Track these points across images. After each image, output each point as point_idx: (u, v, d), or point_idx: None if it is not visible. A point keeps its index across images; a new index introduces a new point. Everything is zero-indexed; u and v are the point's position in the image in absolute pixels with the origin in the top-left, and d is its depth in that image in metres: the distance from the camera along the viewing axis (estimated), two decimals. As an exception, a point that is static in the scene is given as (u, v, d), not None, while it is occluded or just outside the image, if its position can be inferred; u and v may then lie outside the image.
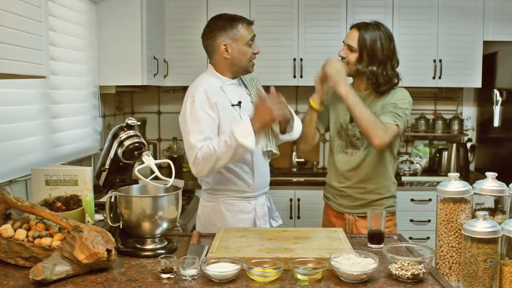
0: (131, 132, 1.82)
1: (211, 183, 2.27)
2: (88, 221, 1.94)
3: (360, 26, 2.27)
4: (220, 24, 2.19)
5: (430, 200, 3.55)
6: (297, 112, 4.13)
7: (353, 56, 2.25)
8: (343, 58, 2.28)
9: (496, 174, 1.59)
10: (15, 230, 1.60)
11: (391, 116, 2.18)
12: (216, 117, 2.13)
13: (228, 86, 2.23)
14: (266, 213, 2.31)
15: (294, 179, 3.64)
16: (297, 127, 2.27)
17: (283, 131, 2.25)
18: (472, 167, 4.07)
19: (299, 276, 1.46)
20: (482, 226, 1.43)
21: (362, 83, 2.31)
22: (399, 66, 2.32)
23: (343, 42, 2.32)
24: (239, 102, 2.21)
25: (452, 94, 4.13)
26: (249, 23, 2.22)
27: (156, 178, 1.73)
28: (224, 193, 2.25)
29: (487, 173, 1.60)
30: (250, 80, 2.38)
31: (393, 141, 2.26)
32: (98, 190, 1.97)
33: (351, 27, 2.32)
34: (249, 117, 2.05)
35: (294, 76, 3.72)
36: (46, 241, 1.57)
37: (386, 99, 2.27)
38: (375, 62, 2.23)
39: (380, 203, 2.29)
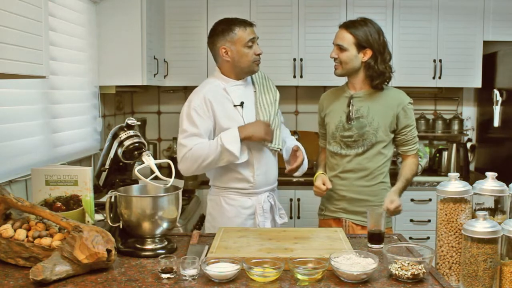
0: (131, 132, 1.82)
1: (213, 179, 2.37)
2: (88, 221, 1.94)
3: (348, 25, 2.27)
4: (219, 29, 2.29)
5: (430, 200, 3.55)
6: (297, 112, 4.17)
7: (344, 55, 2.25)
8: (335, 59, 2.29)
9: (496, 174, 1.59)
10: (15, 230, 1.60)
11: (412, 144, 2.34)
12: (211, 121, 2.23)
13: (232, 87, 2.30)
14: (267, 211, 2.33)
15: (294, 179, 3.63)
16: (305, 164, 2.40)
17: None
18: (472, 167, 4.06)
19: (299, 276, 1.46)
20: (482, 226, 1.43)
21: (358, 81, 2.31)
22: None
23: (333, 43, 2.31)
24: (242, 103, 2.28)
25: (452, 94, 4.13)
26: (248, 25, 2.29)
27: (156, 178, 1.73)
28: (225, 188, 2.33)
29: (487, 173, 1.60)
30: (262, 78, 2.43)
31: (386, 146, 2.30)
32: (98, 190, 1.97)
33: (339, 27, 2.31)
34: (238, 127, 2.19)
35: (294, 76, 3.71)
36: (46, 241, 1.57)
37: (386, 99, 2.28)
38: (368, 56, 2.24)
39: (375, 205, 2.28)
